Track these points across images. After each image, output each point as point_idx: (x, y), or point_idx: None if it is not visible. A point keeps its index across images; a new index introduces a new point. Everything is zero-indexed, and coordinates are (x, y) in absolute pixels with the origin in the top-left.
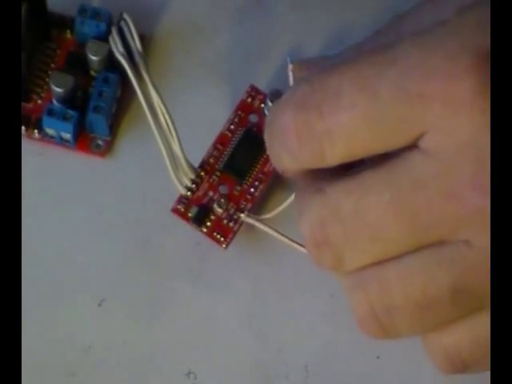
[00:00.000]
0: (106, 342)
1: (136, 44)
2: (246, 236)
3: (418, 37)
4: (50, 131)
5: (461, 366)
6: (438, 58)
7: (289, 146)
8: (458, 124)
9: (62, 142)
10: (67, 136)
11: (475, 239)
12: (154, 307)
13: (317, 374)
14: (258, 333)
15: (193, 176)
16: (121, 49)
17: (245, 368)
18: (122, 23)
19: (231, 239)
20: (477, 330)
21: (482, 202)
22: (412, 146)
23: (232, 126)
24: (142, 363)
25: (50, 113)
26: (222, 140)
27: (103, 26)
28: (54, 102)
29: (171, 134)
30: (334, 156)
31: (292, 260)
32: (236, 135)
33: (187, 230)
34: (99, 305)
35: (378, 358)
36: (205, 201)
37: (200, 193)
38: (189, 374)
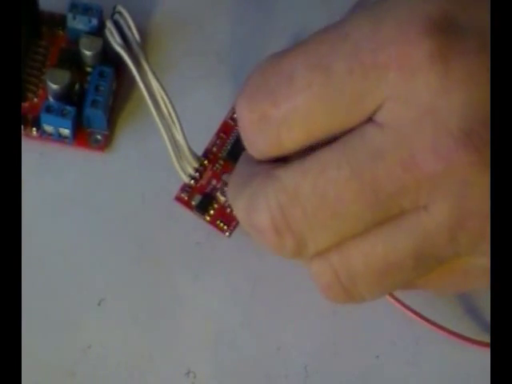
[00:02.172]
0: (106, 341)
1: (134, 34)
2: (246, 235)
3: (368, 9)
4: (49, 128)
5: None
6: (389, 26)
7: (247, 138)
8: (415, 90)
9: (60, 138)
10: (66, 132)
11: (434, 205)
12: (153, 307)
13: (316, 373)
14: (257, 333)
15: (196, 165)
16: (118, 40)
17: (244, 368)
18: (117, 16)
19: (234, 227)
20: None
21: (441, 166)
22: (367, 121)
23: (235, 115)
24: (141, 363)
25: (48, 110)
26: (224, 129)
27: (95, 21)
28: (50, 99)
29: (173, 122)
30: (293, 141)
31: (292, 260)
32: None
33: (187, 229)
34: (99, 304)
35: (377, 357)
36: (208, 189)
37: (203, 181)
38: (188, 373)
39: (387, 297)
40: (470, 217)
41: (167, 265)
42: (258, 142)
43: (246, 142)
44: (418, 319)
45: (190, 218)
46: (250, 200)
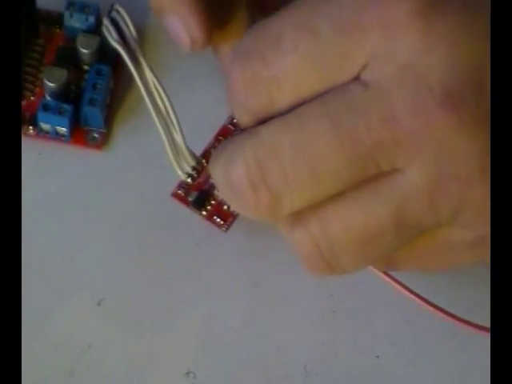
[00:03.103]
0: (106, 341)
1: (131, 31)
2: (246, 235)
3: None
4: (46, 127)
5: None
6: None
7: (238, 99)
8: (396, 48)
9: (57, 136)
10: (63, 130)
11: (412, 167)
12: (153, 307)
13: (316, 373)
14: (257, 333)
15: (194, 163)
16: (116, 37)
17: (244, 368)
18: (114, 14)
19: (231, 223)
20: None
21: (419, 123)
22: (353, 80)
23: (234, 120)
24: (141, 363)
25: (45, 108)
26: (224, 132)
27: (92, 19)
28: (47, 97)
29: (171, 120)
30: (283, 101)
31: (292, 260)
32: (238, 129)
33: (187, 229)
34: (99, 304)
35: (377, 357)
36: (206, 187)
37: (201, 179)
38: (188, 373)
39: (394, 284)
40: (449, 180)
41: (167, 265)
42: (250, 101)
43: (238, 104)
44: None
45: (187, 215)
46: (228, 156)
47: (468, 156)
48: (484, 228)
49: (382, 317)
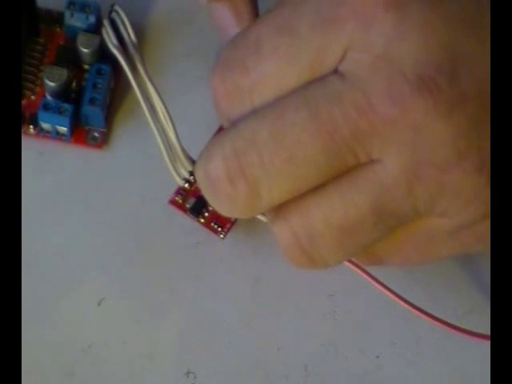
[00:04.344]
0: (106, 341)
1: (130, 35)
2: (246, 235)
3: None
4: (46, 126)
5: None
6: None
7: (222, 110)
8: (371, 39)
9: (57, 136)
10: (63, 130)
11: (389, 157)
12: (153, 307)
13: (316, 373)
14: (257, 333)
15: (190, 168)
16: (114, 41)
17: (245, 368)
18: (114, 15)
19: (229, 229)
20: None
21: (395, 110)
22: (331, 72)
23: None
24: (141, 363)
25: (46, 107)
26: None
27: (93, 19)
28: (48, 96)
29: (168, 126)
30: (264, 102)
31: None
32: None
33: (187, 229)
34: (99, 304)
35: (377, 357)
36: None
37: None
38: (188, 373)
39: (389, 294)
40: (425, 167)
41: (167, 265)
42: (232, 112)
43: (222, 114)
44: (418, 313)
45: (186, 217)
46: (208, 153)
47: (442, 141)
48: (462, 214)
49: (382, 317)
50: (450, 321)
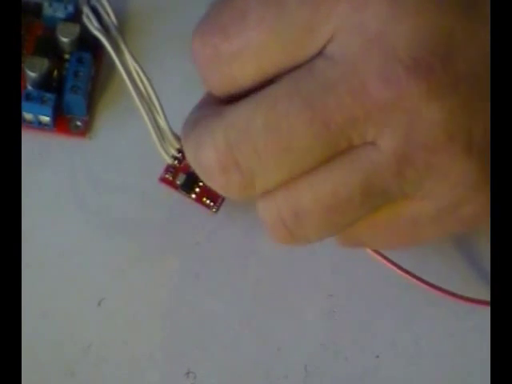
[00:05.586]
0: (106, 341)
1: (111, 19)
2: (246, 235)
3: None
4: (29, 116)
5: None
6: None
7: (201, 73)
8: (364, 19)
9: (40, 126)
10: (46, 119)
11: (382, 139)
12: (153, 307)
13: (316, 373)
14: (257, 333)
15: (178, 145)
16: (96, 24)
17: (244, 368)
18: (94, 1)
19: (221, 203)
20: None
21: (390, 93)
22: (317, 54)
23: None
24: (141, 363)
25: (28, 97)
26: None
27: (71, 8)
28: (29, 87)
29: (154, 104)
30: (245, 76)
31: (292, 260)
32: None
33: (188, 228)
34: (99, 304)
35: (377, 357)
36: (192, 168)
37: (187, 161)
38: (188, 373)
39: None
40: (417, 150)
41: (167, 265)
42: (211, 77)
43: (201, 77)
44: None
45: (178, 194)
46: (198, 138)
47: (434, 123)
48: (446, 197)
49: (382, 317)
50: (450, 320)
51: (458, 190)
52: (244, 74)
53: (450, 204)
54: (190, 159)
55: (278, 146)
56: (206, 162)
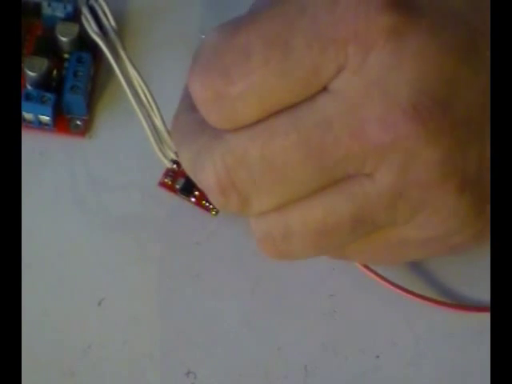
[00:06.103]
0: (106, 341)
1: (110, 21)
2: (246, 235)
3: None
4: (29, 116)
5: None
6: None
7: (202, 111)
8: (368, 63)
9: (40, 126)
10: (46, 119)
11: (377, 173)
12: (153, 307)
13: (316, 373)
14: (257, 333)
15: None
16: (95, 28)
17: (244, 368)
18: (93, 1)
19: None
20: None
21: (388, 137)
22: (321, 90)
23: None
24: (141, 363)
25: (28, 97)
26: None
27: (70, 7)
28: (29, 86)
29: (152, 108)
30: (248, 115)
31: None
32: None
33: (188, 228)
34: (99, 304)
35: (377, 357)
36: None
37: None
38: (188, 373)
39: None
40: (412, 187)
41: (167, 265)
42: (213, 115)
43: (202, 113)
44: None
45: (177, 198)
46: (197, 157)
47: (430, 163)
48: (437, 229)
49: (382, 317)
50: (450, 320)
51: (448, 223)
52: (246, 112)
53: (440, 234)
54: (188, 171)
55: (272, 176)
56: (205, 182)
